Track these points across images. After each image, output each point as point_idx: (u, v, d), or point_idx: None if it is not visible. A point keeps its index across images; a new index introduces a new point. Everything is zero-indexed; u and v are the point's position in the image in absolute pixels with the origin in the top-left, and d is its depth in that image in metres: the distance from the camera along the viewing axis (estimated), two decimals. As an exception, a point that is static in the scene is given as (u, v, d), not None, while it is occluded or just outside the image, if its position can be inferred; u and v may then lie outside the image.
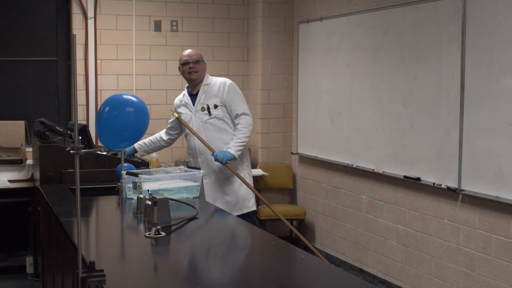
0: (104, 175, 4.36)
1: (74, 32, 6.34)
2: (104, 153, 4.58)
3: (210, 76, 4.86)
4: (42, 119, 4.96)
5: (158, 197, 3.17)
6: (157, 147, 5.10)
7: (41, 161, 4.35)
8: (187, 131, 4.82)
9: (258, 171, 6.52)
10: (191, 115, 4.81)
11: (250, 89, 6.89)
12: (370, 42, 5.39)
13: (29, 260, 5.54)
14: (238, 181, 4.76)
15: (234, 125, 4.75)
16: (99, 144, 5.72)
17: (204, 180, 4.69)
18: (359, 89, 5.55)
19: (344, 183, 5.88)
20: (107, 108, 3.22)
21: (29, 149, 5.74)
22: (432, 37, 4.70)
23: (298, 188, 6.71)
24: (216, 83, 4.79)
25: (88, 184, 4.17)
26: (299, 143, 6.58)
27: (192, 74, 4.75)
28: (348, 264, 5.85)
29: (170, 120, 5.05)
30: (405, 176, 5.00)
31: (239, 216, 4.32)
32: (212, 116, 4.72)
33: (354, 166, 5.64)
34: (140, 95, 6.10)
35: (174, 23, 6.66)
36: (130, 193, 3.77)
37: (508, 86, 4.07)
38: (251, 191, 4.80)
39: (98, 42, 6.42)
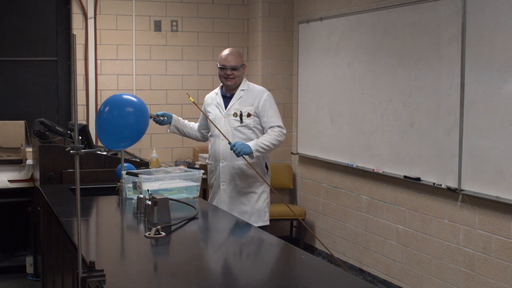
0: (104, 175, 4.36)
1: (74, 32, 6.34)
2: (104, 153, 4.59)
3: (248, 82, 4.61)
4: (42, 119, 4.96)
5: (158, 197, 3.17)
6: (189, 133, 4.76)
7: (41, 161, 4.35)
8: (212, 132, 4.59)
9: (258, 171, 6.51)
10: (221, 117, 4.55)
11: (250, 89, 6.88)
12: (370, 42, 5.39)
13: (29, 260, 5.54)
14: (256, 192, 4.54)
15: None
16: (99, 144, 5.71)
17: (221, 187, 4.51)
18: (359, 89, 5.55)
19: (344, 183, 5.88)
20: (107, 108, 3.22)
21: (29, 149, 5.74)
22: (432, 37, 4.70)
23: (298, 188, 6.71)
24: (254, 91, 4.54)
25: (88, 184, 4.17)
26: (299, 143, 6.58)
27: (228, 80, 4.49)
28: (348, 264, 5.85)
29: (199, 119, 4.77)
30: (405, 176, 5.00)
31: None
32: (243, 124, 4.48)
33: (354, 166, 5.63)
34: (140, 95, 6.11)
35: (174, 23, 6.66)
36: (130, 193, 3.77)
37: (508, 86, 4.07)
38: (268, 204, 4.61)
39: (98, 42, 6.42)
